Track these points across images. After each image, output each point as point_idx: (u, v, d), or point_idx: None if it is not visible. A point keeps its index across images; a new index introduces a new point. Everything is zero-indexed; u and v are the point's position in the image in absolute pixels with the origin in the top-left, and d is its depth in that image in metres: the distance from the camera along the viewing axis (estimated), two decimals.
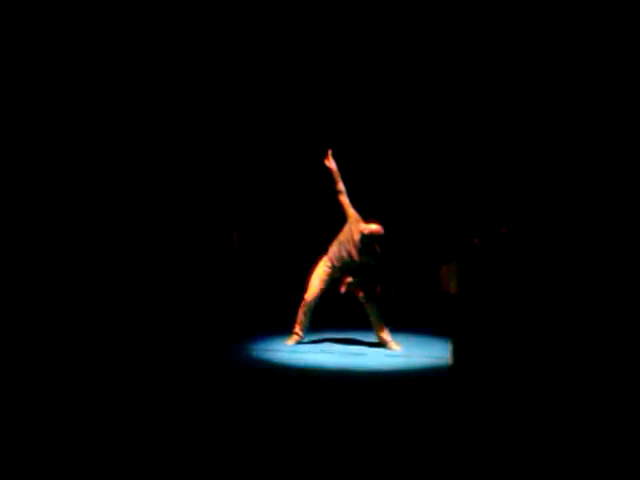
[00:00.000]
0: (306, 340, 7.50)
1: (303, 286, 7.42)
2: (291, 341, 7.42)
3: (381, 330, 7.29)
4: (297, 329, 7.41)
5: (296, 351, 7.16)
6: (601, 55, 8.47)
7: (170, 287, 8.77)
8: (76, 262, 8.57)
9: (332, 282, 7.37)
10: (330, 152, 7.25)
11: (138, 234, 8.96)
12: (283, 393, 5.68)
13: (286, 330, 7.51)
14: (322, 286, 7.34)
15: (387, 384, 6.09)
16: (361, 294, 7.27)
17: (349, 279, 7.29)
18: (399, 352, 7.17)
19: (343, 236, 7.25)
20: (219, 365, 6.54)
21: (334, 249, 7.30)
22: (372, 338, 7.44)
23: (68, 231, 8.64)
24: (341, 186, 7.22)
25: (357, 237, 7.16)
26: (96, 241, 8.76)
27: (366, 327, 7.47)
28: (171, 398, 5.45)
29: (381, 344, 7.32)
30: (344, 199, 7.23)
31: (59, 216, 8.65)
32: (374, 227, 7.15)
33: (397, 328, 7.70)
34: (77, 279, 8.48)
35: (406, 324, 8.24)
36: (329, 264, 7.32)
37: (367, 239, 7.12)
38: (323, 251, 7.41)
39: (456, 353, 6.97)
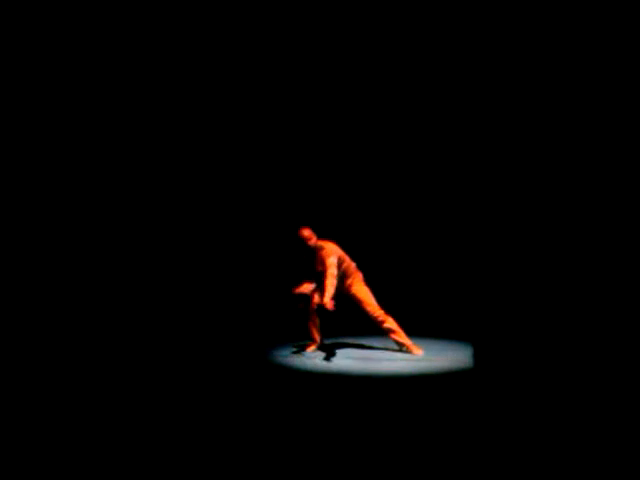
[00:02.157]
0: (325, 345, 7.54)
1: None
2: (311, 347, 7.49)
3: (398, 334, 7.35)
4: (314, 335, 7.47)
5: (316, 356, 7.20)
6: (598, 56, 8.46)
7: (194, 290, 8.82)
8: (94, 261, 8.62)
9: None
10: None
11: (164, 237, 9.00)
12: (303, 397, 5.73)
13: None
14: None
15: (407, 388, 6.12)
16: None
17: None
18: (419, 356, 7.20)
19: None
20: (239, 369, 6.62)
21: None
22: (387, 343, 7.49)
23: (79, 232, 8.68)
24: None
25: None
26: (118, 242, 8.82)
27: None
28: (190, 398, 5.52)
29: (401, 348, 7.35)
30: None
31: (74, 219, 8.70)
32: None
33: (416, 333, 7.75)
34: (95, 278, 8.55)
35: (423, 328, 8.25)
36: None
37: None
38: None
39: (477, 357, 7.01)
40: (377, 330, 7.47)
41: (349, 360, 7.09)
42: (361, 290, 7.35)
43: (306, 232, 7.24)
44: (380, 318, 7.29)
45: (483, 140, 8.92)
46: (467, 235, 8.91)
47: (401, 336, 7.32)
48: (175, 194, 9.04)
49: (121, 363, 6.70)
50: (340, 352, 7.38)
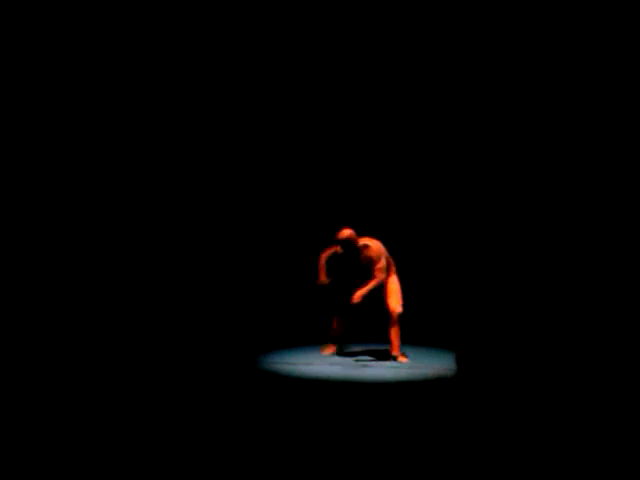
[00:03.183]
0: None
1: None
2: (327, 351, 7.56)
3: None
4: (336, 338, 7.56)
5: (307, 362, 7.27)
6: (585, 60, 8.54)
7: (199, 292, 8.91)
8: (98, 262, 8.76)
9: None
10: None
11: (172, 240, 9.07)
12: (291, 403, 5.83)
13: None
14: None
15: (393, 393, 6.21)
16: None
17: None
18: (404, 363, 7.28)
19: None
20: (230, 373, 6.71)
21: None
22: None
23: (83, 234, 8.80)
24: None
25: None
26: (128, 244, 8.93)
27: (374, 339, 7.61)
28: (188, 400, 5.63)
29: (390, 353, 7.43)
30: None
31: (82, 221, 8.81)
32: None
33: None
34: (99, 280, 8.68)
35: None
36: None
37: None
38: None
39: (460, 363, 7.09)
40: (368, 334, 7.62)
41: (335, 367, 7.15)
42: (393, 281, 7.38)
43: (350, 232, 7.13)
44: (394, 315, 7.29)
45: (475, 145, 9.03)
46: (449, 243, 9.02)
47: (397, 341, 7.37)
48: (170, 200, 9.11)
49: (115, 366, 6.77)
50: (326, 359, 7.43)
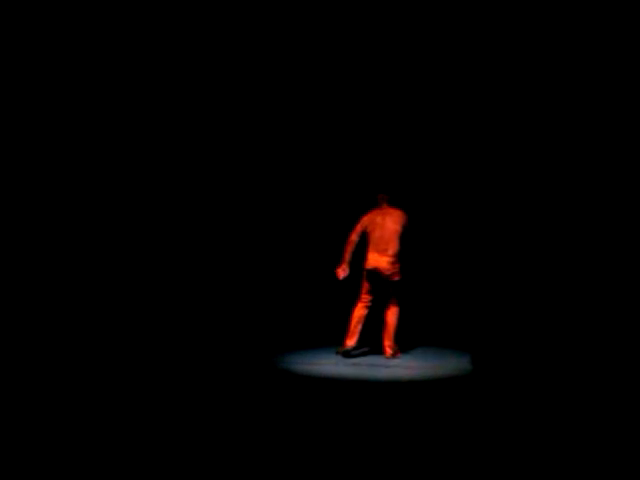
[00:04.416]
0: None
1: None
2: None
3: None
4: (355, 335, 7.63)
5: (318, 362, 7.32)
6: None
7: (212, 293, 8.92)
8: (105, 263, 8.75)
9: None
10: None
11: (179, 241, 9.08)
12: (302, 402, 5.86)
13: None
14: None
15: (408, 394, 6.23)
16: None
17: None
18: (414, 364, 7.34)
19: None
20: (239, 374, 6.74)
21: None
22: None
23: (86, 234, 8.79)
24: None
25: None
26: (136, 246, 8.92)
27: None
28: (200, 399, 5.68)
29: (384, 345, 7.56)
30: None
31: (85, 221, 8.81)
32: None
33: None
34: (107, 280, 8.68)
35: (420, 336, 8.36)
36: None
37: None
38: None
39: (475, 363, 7.11)
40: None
41: (346, 366, 7.20)
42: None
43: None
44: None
45: (479, 150, 9.03)
46: (462, 246, 9.01)
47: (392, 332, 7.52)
48: (182, 200, 9.11)
49: (127, 368, 6.79)
50: (337, 359, 7.47)
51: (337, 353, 7.51)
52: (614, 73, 8.44)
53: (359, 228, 7.52)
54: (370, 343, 7.76)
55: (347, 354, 7.49)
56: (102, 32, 8.66)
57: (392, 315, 7.52)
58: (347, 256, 7.47)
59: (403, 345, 7.70)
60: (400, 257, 7.50)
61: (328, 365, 7.18)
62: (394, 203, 7.70)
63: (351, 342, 7.50)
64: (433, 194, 9.12)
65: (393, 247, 7.45)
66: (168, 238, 9.01)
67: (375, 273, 7.47)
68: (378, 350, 7.62)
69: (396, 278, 7.49)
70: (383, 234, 7.46)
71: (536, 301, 8.52)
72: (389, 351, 7.49)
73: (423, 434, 5.04)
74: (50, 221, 8.62)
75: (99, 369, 6.72)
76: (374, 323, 7.62)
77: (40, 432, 4.94)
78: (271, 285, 9.03)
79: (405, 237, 7.60)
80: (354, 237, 7.49)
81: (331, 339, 7.80)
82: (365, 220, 7.55)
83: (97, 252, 8.74)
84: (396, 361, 7.40)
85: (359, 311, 7.53)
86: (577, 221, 8.64)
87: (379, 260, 7.44)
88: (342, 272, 7.47)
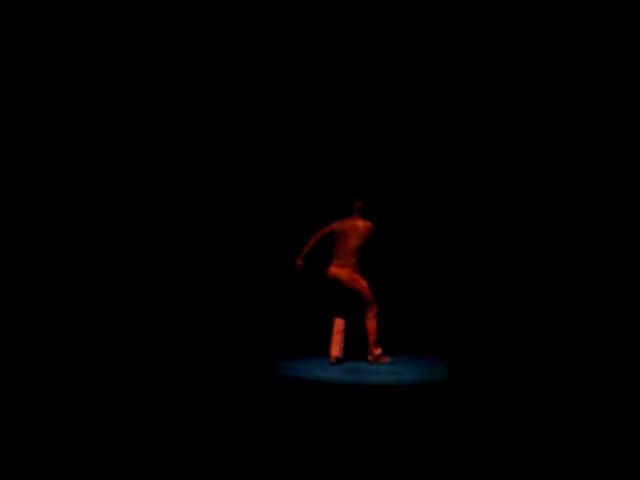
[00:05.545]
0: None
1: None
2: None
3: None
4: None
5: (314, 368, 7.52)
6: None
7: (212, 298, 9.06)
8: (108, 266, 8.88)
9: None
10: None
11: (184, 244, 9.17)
12: (298, 406, 6.04)
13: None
14: None
15: (388, 398, 6.40)
16: None
17: None
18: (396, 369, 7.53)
19: None
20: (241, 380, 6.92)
21: None
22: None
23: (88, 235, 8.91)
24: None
25: None
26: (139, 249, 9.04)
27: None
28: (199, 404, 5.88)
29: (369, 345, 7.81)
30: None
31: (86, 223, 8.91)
32: None
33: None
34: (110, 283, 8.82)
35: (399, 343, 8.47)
36: None
37: None
38: None
39: (452, 369, 7.36)
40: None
41: (337, 372, 7.41)
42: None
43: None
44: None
45: (475, 151, 9.10)
46: (440, 251, 9.15)
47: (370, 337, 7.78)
48: (182, 203, 9.21)
49: (126, 371, 6.92)
50: (328, 366, 7.69)
51: (329, 364, 7.73)
52: (614, 73, 8.51)
53: (327, 230, 7.81)
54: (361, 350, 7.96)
55: (338, 362, 7.73)
56: (102, 32, 8.75)
57: (367, 321, 7.77)
58: (305, 249, 7.75)
59: (391, 350, 7.90)
60: (360, 268, 7.76)
61: (318, 370, 7.38)
62: (371, 210, 7.91)
63: (335, 352, 7.73)
64: (414, 200, 9.23)
65: (352, 260, 7.74)
66: (166, 244, 9.11)
67: (336, 281, 7.77)
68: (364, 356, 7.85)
69: (357, 286, 7.74)
70: (345, 247, 7.75)
71: (519, 306, 8.66)
72: (369, 357, 7.75)
73: (411, 439, 5.11)
74: (50, 221, 8.71)
75: (98, 372, 6.82)
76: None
77: (40, 432, 5.01)
78: (269, 290, 9.17)
79: (379, 245, 7.88)
80: (319, 235, 7.78)
81: (326, 345, 7.92)
82: (335, 226, 7.82)
83: (96, 254, 8.85)
84: (385, 367, 7.57)
85: (337, 320, 7.82)
86: (560, 226, 8.75)
87: (339, 271, 7.77)
88: (298, 266, 7.73)
